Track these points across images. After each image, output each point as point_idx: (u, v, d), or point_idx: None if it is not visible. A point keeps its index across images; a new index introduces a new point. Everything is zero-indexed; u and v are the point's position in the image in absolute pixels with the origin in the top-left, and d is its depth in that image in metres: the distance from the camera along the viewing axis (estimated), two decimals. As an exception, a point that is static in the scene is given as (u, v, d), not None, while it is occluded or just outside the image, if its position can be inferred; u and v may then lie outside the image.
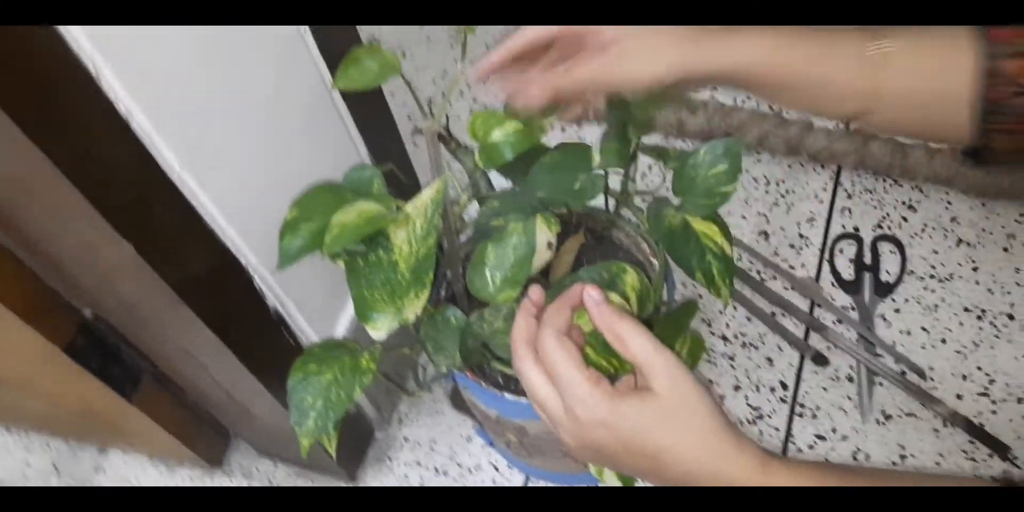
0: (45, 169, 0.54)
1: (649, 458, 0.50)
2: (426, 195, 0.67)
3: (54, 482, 1.13)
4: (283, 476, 1.11)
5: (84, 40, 0.53)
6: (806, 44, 0.56)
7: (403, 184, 0.86)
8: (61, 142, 0.54)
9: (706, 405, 0.50)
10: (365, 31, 1.57)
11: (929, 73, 0.55)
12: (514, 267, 0.70)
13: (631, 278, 0.74)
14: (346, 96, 0.84)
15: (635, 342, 0.52)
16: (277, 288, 0.80)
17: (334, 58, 0.78)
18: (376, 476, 1.08)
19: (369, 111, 0.89)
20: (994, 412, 1.04)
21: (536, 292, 0.59)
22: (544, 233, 0.75)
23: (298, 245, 0.70)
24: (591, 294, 0.55)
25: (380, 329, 0.70)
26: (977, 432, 1.02)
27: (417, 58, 1.51)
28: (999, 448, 1.00)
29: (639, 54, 0.57)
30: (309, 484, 1.09)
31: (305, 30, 0.76)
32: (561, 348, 0.53)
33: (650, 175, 1.29)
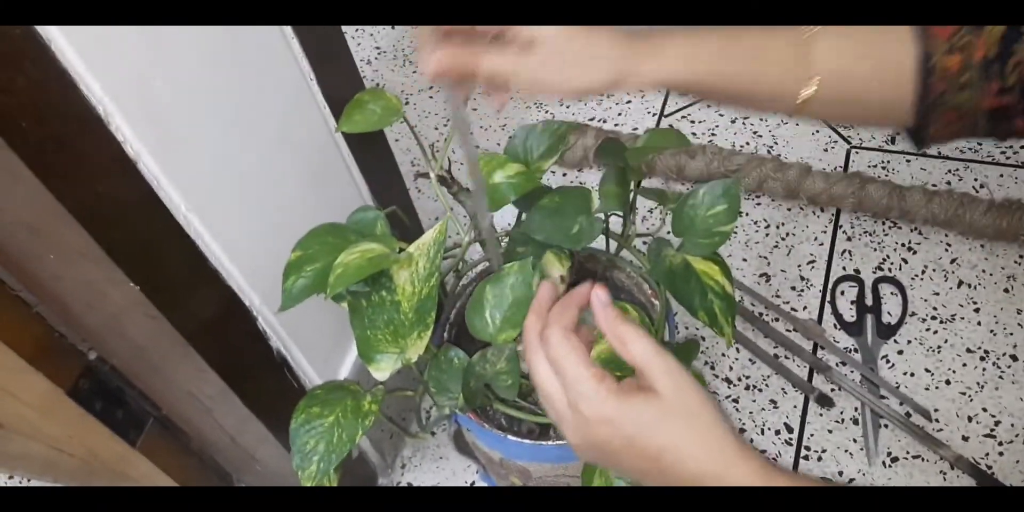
0: (54, 210, 0.55)
1: (651, 459, 0.49)
2: (429, 236, 0.68)
3: (55, 530, 1.12)
4: (285, 523, 1.09)
5: (94, 83, 0.55)
6: (738, 47, 0.57)
7: (406, 227, 0.87)
8: (70, 183, 0.55)
9: (709, 409, 0.49)
10: (369, 80, 1.60)
11: (866, 64, 0.56)
12: (512, 307, 0.70)
13: (633, 318, 0.74)
14: (350, 140, 0.85)
15: (637, 344, 0.51)
16: (280, 330, 0.80)
17: (338, 103, 0.80)
18: (379, 522, 1.07)
19: (373, 155, 0.91)
20: (1001, 453, 1.03)
21: (545, 289, 0.58)
22: (556, 267, 0.76)
23: (301, 286, 0.70)
24: (599, 294, 0.54)
25: (383, 370, 0.70)
26: (981, 477, 1.01)
27: (420, 106, 1.53)
28: (1007, 490, 1.00)
29: (570, 60, 0.55)
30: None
31: (310, 75, 0.77)
32: (567, 343, 0.52)
33: (651, 219, 1.30)
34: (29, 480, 1.16)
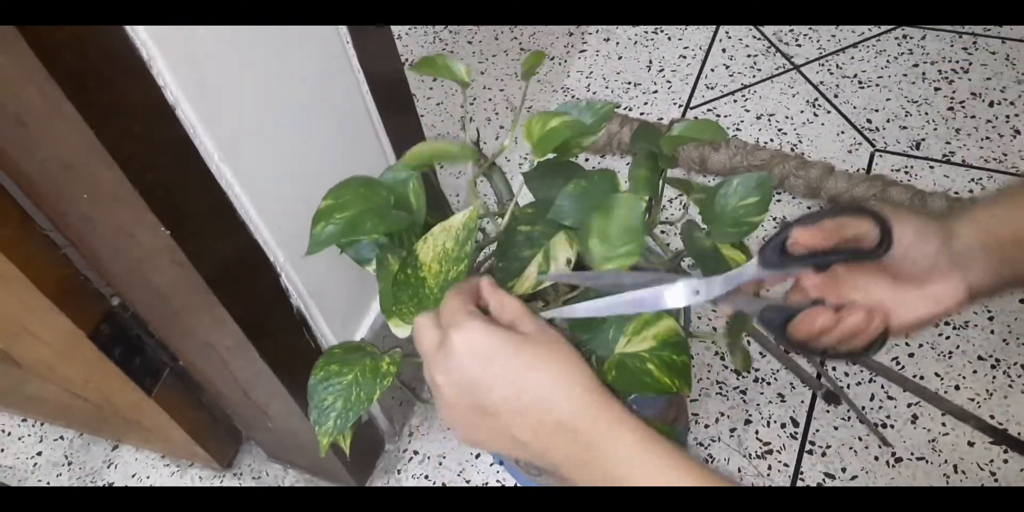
0: (91, 146, 0.55)
1: (510, 383, 0.51)
2: (458, 220, 0.67)
3: (64, 474, 1.14)
4: (292, 481, 1.10)
5: (139, 27, 0.55)
6: None
7: (432, 196, 0.88)
8: (109, 120, 0.56)
9: (575, 354, 0.52)
10: (402, 51, 1.59)
11: None
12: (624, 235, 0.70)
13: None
14: (381, 107, 0.86)
15: (511, 304, 0.55)
16: (302, 289, 0.81)
17: (372, 67, 0.81)
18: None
19: (402, 124, 0.91)
20: (1006, 461, 1.03)
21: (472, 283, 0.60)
22: (564, 250, 0.76)
23: (329, 232, 0.69)
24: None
25: (404, 327, 0.71)
26: (985, 482, 1.01)
27: (448, 83, 1.54)
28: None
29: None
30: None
31: (347, 38, 0.78)
32: (454, 295, 0.55)
33: (669, 208, 1.30)
34: (42, 424, 1.18)
